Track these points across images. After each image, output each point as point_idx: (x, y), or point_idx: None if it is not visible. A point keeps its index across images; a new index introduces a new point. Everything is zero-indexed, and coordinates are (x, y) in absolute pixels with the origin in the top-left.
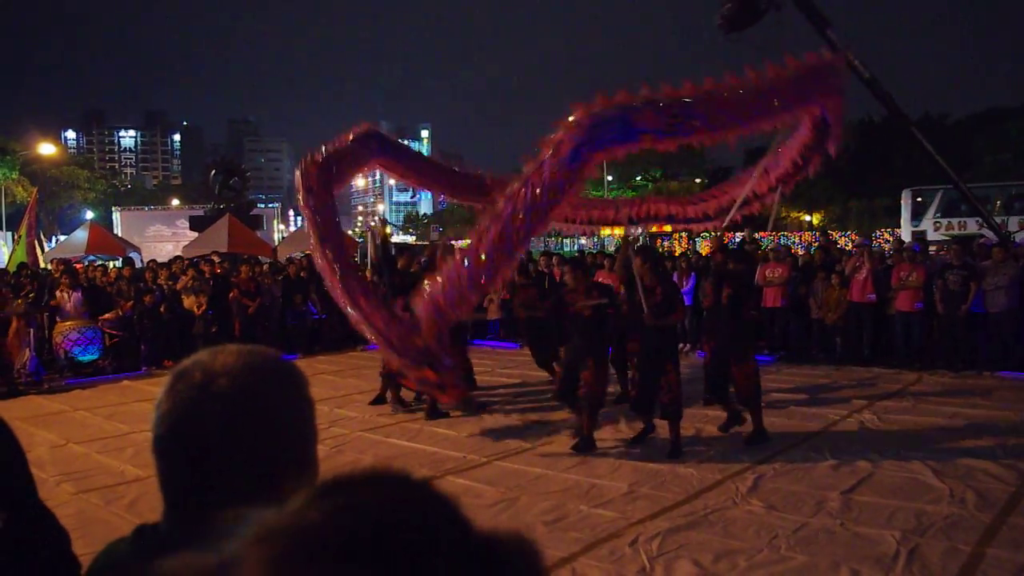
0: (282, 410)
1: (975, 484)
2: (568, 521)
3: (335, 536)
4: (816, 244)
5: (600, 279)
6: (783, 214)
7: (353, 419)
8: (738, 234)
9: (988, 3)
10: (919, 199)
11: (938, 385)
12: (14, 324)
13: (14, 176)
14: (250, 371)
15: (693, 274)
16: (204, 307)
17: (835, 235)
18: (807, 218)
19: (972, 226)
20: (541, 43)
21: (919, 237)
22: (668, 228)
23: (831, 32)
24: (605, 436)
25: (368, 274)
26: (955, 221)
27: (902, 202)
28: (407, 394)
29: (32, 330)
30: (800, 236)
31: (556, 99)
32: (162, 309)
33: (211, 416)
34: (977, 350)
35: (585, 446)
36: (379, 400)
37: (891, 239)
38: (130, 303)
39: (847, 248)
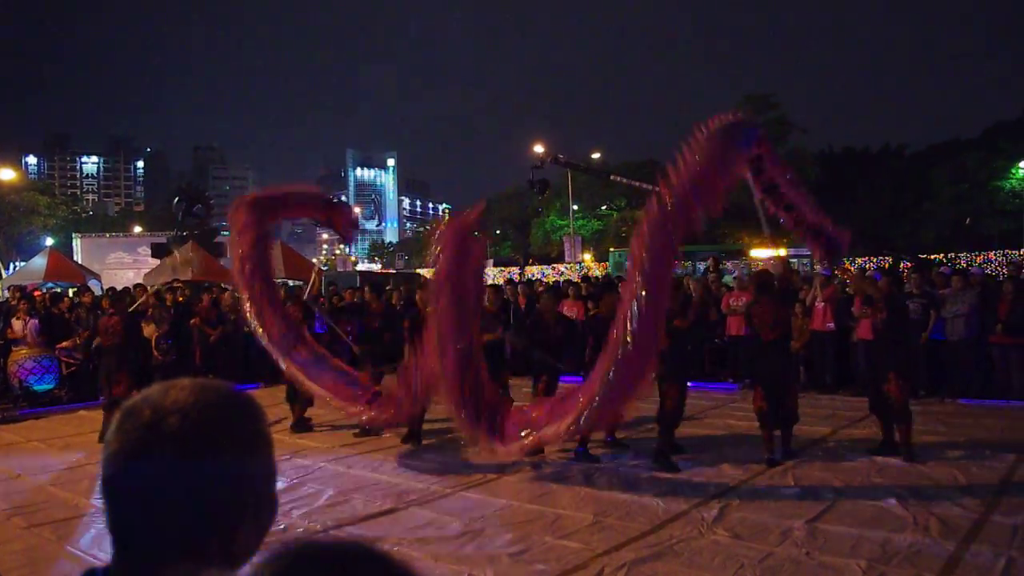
0: (237, 449)
1: (938, 512)
2: (533, 553)
3: None
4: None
5: (566, 308)
6: (744, 242)
7: (315, 449)
8: (700, 264)
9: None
10: None
11: None
12: None
13: None
14: (203, 408)
15: None
16: (158, 334)
17: (796, 264)
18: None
19: None
20: (506, 72)
21: None
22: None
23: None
24: (574, 468)
25: None
26: None
27: None
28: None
29: None
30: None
31: (520, 126)
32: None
33: (161, 457)
34: (938, 377)
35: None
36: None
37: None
38: (87, 331)
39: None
